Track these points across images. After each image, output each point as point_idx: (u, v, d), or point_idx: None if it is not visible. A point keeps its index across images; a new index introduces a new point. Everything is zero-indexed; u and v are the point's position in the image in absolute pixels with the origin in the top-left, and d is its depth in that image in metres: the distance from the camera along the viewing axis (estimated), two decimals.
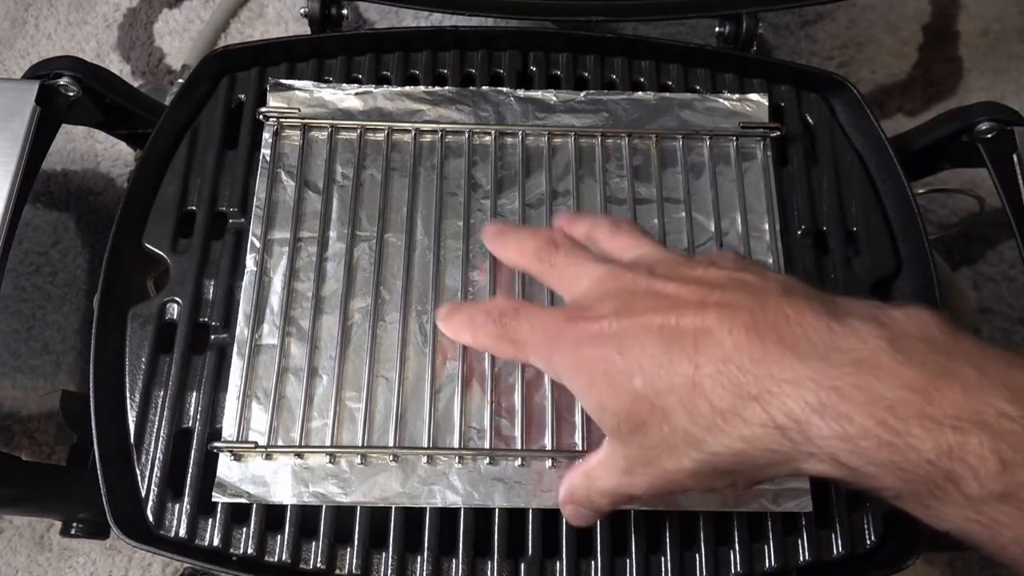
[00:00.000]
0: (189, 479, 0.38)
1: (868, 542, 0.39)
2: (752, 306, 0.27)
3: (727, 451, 0.26)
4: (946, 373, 0.24)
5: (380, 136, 0.45)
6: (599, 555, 0.38)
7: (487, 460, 0.39)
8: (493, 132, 0.45)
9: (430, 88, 0.47)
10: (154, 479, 0.39)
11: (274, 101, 0.46)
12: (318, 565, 0.37)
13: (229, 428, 0.39)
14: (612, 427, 0.30)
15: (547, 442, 0.39)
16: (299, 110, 0.45)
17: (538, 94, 0.47)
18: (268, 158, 0.44)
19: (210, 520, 0.38)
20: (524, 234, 0.35)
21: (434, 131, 0.45)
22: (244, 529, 0.38)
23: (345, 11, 0.51)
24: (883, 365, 0.24)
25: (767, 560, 0.38)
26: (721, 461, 0.27)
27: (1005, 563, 0.24)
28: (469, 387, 0.40)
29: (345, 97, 0.46)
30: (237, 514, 0.38)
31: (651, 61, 0.48)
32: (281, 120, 0.45)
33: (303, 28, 0.51)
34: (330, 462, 0.39)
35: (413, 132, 0.45)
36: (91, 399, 0.39)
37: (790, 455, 0.25)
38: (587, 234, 0.36)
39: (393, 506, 0.38)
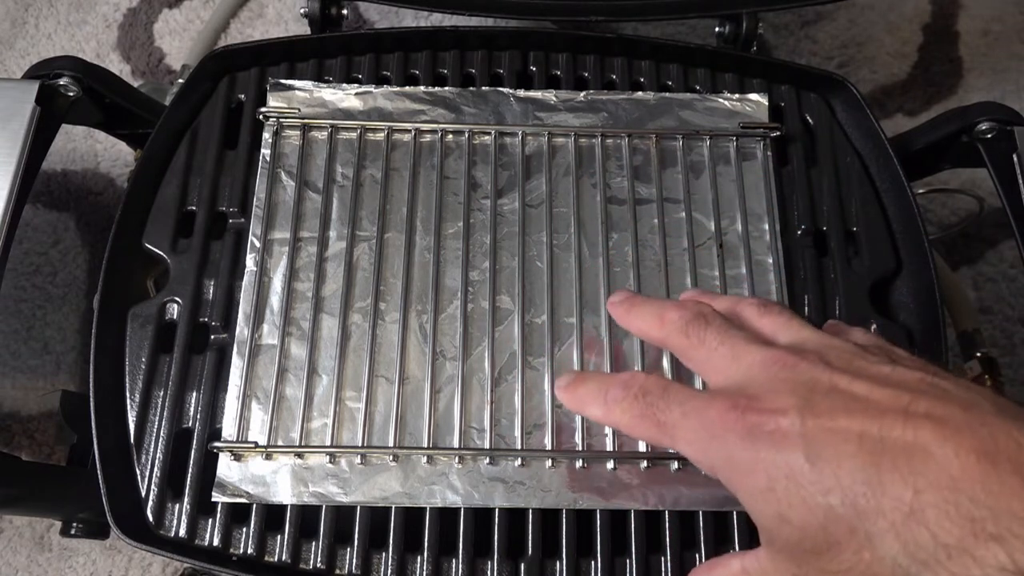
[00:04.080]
0: (189, 479, 0.39)
1: None
2: (973, 425, 0.24)
3: None
4: None
5: (380, 136, 0.45)
6: (599, 555, 0.38)
7: (487, 460, 0.39)
8: (493, 132, 0.45)
9: (430, 88, 0.47)
10: (154, 479, 0.39)
11: (274, 101, 0.46)
12: (318, 565, 0.37)
13: (229, 428, 0.39)
14: (791, 542, 0.26)
15: (547, 442, 0.39)
16: (299, 110, 0.45)
17: (538, 94, 0.47)
18: (268, 158, 0.44)
19: (210, 520, 0.38)
20: (665, 304, 0.32)
21: (434, 131, 0.45)
22: (244, 529, 0.38)
23: (345, 11, 0.51)
24: None
25: None
26: None
27: None
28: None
29: (345, 97, 0.46)
30: (237, 514, 0.38)
31: (651, 61, 0.48)
32: (281, 120, 0.45)
33: (303, 28, 0.51)
34: (330, 462, 0.39)
35: (413, 132, 0.45)
36: (91, 399, 0.39)
37: None
38: (730, 309, 0.32)
39: (393, 506, 0.38)
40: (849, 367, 0.27)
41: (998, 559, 0.22)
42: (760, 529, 0.27)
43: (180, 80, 0.53)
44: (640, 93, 0.47)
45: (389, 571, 0.37)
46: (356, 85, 0.47)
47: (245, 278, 0.42)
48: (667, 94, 0.48)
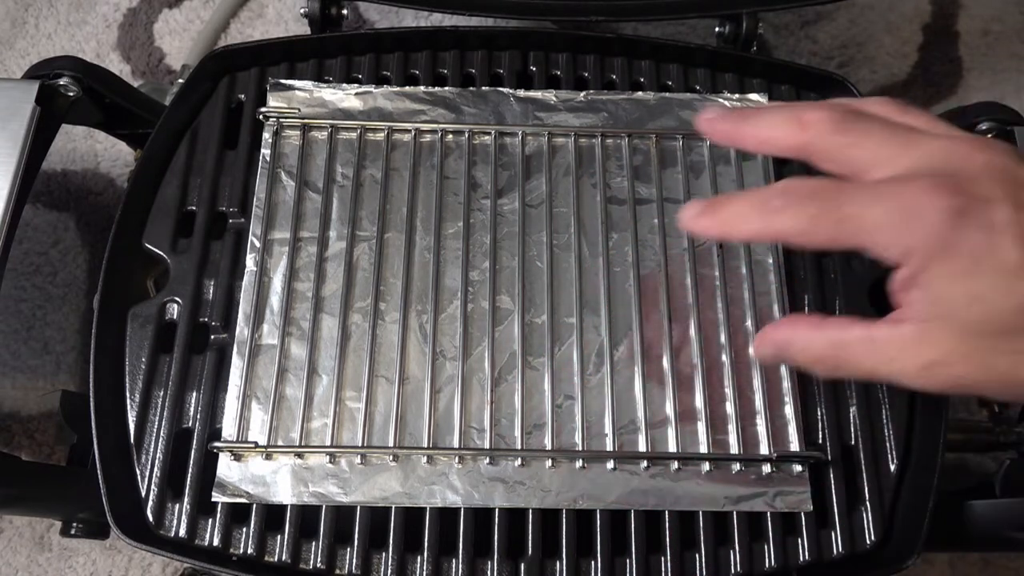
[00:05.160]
0: (189, 479, 0.39)
1: (868, 542, 0.39)
2: None
3: None
4: None
5: (380, 136, 0.45)
6: (599, 555, 0.38)
7: (487, 460, 0.39)
8: (493, 132, 0.45)
9: (430, 88, 0.47)
10: (154, 479, 0.39)
11: (274, 101, 0.46)
12: (318, 565, 0.37)
13: (229, 428, 0.39)
14: (976, 320, 0.26)
15: (547, 442, 0.39)
16: (299, 110, 0.45)
17: (538, 94, 0.47)
18: (268, 158, 0.44)
19: (210, 520, 0.38)
20: (795, 106, 0.30)
21: (434, 131, 0.45)
22: (244, 529, 0.38)
23: (345, 11, 0.51)
24: None
25: (767, 560, 0.38)
26: None
27: None
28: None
29: (345, 97, 0.46)
30: (237, 514, 0.38)
31: (651, 61, 0.48)
32: (281, 120, 0.45)
33: (303, 28, 0.51)
34: (330, 462, 0.39)
35: (413, 132, 0.45)
36: (91, 399, 0.39)
37: None
38: (858, 107, 0.30)
39: (393, 506, 0.38)
40: None
41: None
42: (933, 306, 0.27)
43: (180, 80, 0.53)
44: (640, 93, 0.47)
45: (389, 571, 0.37)
46: (356, 85, 0.47)
47: (245, 278, 0.42)
48: (667, 94, 0.48)
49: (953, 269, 0.26)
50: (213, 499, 0.38)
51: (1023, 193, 0.26)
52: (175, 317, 0.42)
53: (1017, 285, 0.25)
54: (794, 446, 0.40)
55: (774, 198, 0.29)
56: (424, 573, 0.37)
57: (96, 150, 0.63)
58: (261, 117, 0.45)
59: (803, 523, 0.39)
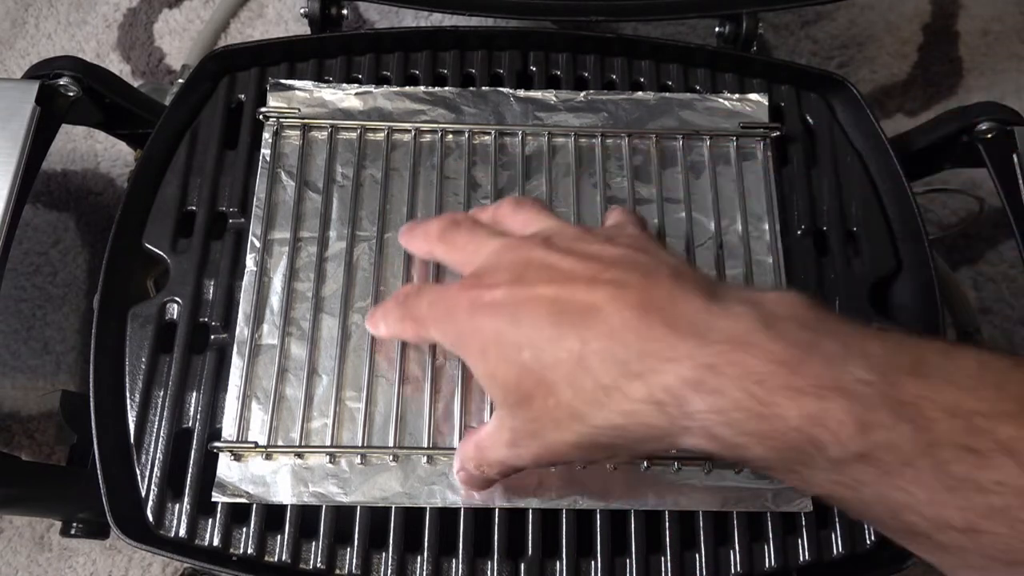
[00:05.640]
0: (189, 479, 0.39)
1: (868, 542, 0.39)
2: (641, 286, 0.28)
3: (608, 424, 0.27)
4: (810, 347, 0.25)
5: (380, 136, 0.45)
6: (599, 555, 0.38)
7: None
8: (493, 132, 0.45)
9: (430, 88, 0.47)
10: (154, 479, 0.39)
11: (274, 101, 0.46)
12: (318, 565, 0.37)
13: (229, 428, 0.39)
14: (500, 399, 0.30)
15: None
16: (299, 110, 0.45)
17: (538, 94, 0.47)
18: (268, 158, 0.44)
19: (210, 520, 0.38)
20: (431, 220, 0.36)
21: (434, 131, 0.45)
22: (244, 529, 0.38)
23: (345, 11, 0.51)
24: (753, 342, 0.25)
25: (767, 560, 0.38)
26: (602, 435, 0.28)
27: (869, 521, 0.28)
28: (469, 389, 0.40)
29: (345, 97, 0.46)
30: (237, 514, 0.38)
31: (651, 61, 0.48)
32: (281, 120, 0.45)
33: (303, 28, 0.51)
34: (330, 462, 0.39)
35: (413, 132, 0.45)
36: (91, 399, 0.39)
37: (667, 430, 0.26)
38: (492, 215, 0.36)
39: (393, 506, 0.38)
40: (565, 247, 0.30)
41: (640, 392, 0.26)
42: (485, 391, 0.31)
43: (180, 80, 0.53)
44: (640, 93, 0.47)
45: (389, 571, 0.37)
46: (356, 85, 0.47)
47: (245, 278, 0.42)
48: (667, 94, 0.47)
49: (475, 354, 0.30)
50: (213, 499, 0.38)
51: (529, 273, 0.30)
52: (175, 317, 0.42)
53: (512, 357, 0.28)
54: None
55: (389, 302, 0.36)
56: (424, 573, 0.37)
57: (96, 150, 0.63)
58: (261, 117, 0.45)
59: (803, 523, 0.39)
